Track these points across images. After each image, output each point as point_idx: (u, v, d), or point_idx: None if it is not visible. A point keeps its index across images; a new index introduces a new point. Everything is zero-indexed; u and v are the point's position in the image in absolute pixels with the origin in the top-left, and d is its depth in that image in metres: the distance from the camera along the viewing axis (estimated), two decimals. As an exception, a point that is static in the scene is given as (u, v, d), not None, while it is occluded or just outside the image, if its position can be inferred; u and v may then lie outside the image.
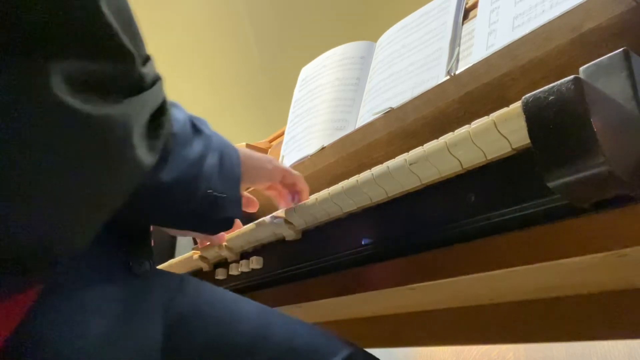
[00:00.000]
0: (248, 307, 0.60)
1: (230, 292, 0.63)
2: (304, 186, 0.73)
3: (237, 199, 0.60)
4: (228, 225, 0.62)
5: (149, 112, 0.41)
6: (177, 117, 0.52)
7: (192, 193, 0.53)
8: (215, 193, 0.56)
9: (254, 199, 0.75)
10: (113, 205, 0.41)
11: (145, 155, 0.40)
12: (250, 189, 0.80)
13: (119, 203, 0.41)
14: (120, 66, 0.37)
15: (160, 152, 0.44)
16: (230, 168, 0.59)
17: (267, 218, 0.73)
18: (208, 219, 0.58)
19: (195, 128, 0.55)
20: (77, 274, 0.48)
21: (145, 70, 0.40)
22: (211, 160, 0.55)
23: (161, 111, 0.43)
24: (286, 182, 0.72)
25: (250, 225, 0.76)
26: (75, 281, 0.47)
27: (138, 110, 0.39)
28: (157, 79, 0.42)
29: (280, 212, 0.72)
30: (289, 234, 0.71)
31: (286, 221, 0.70)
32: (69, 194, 0.36)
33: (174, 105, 0.53)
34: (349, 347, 0.59)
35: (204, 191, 0.54)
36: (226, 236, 0.80)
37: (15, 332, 0.42)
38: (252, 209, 0.75)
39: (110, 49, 0.35)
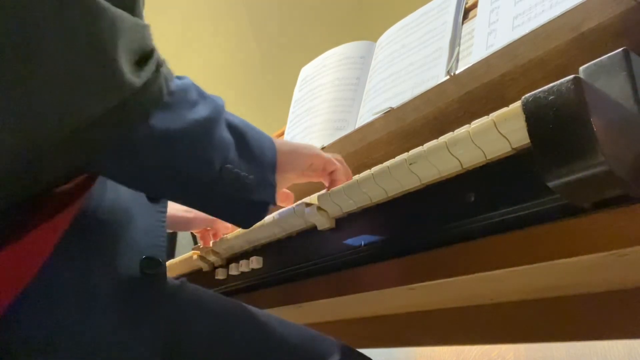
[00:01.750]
0: (245, 311, 0.60)
1: (226, 298, 0.63)
2: (344, 174, 0.68)
3: (269, 184, 0.57)
4: (259, 213, 0.57)
5: (135, 43, 0.43)
6: (180, 81, 0.51)
7: (207, 159, 0.51)
8: (236, 170, 0.53)
9: (290, 192, 0.71)
10: (85, 114, 0.41)
11: (127, 72, 0.42)
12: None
13: (89, 113, 0.41)
14: None
15: (147, 86, 0.44)
16: (259, 149, 0.57)
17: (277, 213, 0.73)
18: (236, 201, 0.54)
19: (203, 94, 0.53)
20: (81, 263, 0.48)
21: (141, 3, 0.44)
22: (224, 133, 0.53)
23: (149, 54, 0.45)
24: (328, 170, 0.68)
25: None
26: (78, 270, 0.47)
27: (125, 23, 0.42)
28: (142, 18, 0.45)
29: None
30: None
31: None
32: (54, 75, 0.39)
33: (181, 76, 0.52)
34: (341, 348, 0.59)
35: (221, 164, 0.52)
36: (226, 236, 0.80)
37: (7, 312, 0.42)
38: (286, 204, 0.71)
39: None
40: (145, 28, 0.45)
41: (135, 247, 0.52)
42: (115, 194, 0.54)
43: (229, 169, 0.52)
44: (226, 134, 0.53)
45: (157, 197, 0.54)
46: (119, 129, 0.44)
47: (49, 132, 0.40)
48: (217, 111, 0.52)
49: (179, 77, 0.51)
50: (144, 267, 0.52)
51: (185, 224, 0.85)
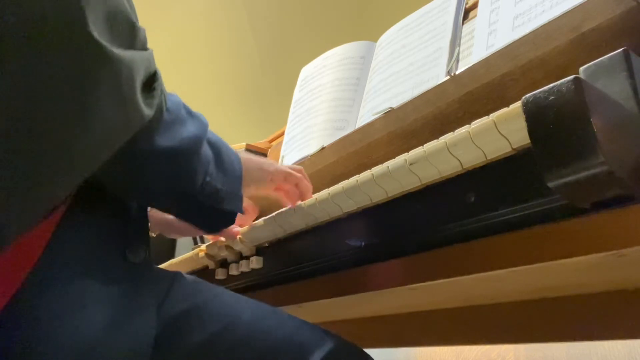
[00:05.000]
0: (240, 302, 0.60)
1: (222, 288, 0.63)
2: (305, 186, 0.73)
3: (238, 195, 0.62)
4: (229, 221, 0.63)
5: (145, 73, 0.46)
6: (171, 98, 0.54)
7: (192, 173, 0.55)
8: (213, 183, 0.57)
9: (254, 205, 0.77)
10: (112, 146, 0.44)
11: (143, 105, 0.45)
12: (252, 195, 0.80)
13: (116, 145, 0.44)
14: (129, 20, 0.44)
15: (155, 111, 0.47)
16: (230, 164, 0.61)
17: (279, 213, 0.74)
18: (209, 212, 0.59)
19: (190, 113, 0.57)
20: (73, 258, 0.48)
21: (141, 30, 0.46)
22: (207, 149, 0.57)
23: (154, 77, 0.48)
24: (289, 183, 0.73)
25: (260, 221, 0.76)
26: (70, 266, 0.48)
27: (138, 62, 0.44)
28: (148, 47, 0.47)
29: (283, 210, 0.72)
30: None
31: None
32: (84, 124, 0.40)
33: (170, 93, 0.55)
34: (334, 339, 0.60)
35: (203, 177, 0.56)
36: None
37: (4, 312, 0.43)
38: (251, 217, 0.77)
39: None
40: (150, 55, 0.48)
41: (120, 238, 0.54)
42: (97, 192, 0.55)
43: (208, 181, 0.57)
44: (208, 150, 0.58)
45: (145, 205, 0.58)
46: (128, 147, 0.46)
47: (84, 171, 0.43)
48: (204, 129, 0.57)
49: (169, 94, 0.54)
50: (128, 257, 0.53)
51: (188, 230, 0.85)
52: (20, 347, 0.43)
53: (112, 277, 0.50)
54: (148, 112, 0.46)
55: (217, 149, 0.59)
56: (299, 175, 0.74)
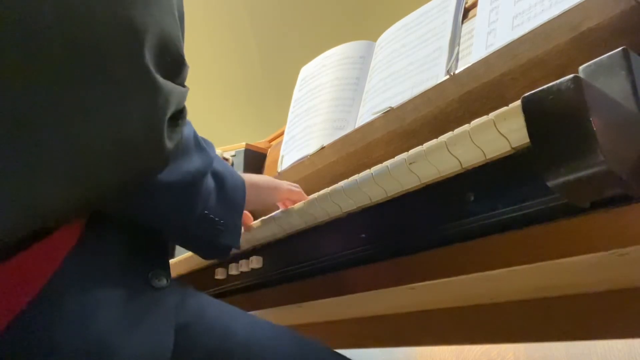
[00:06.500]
0: (239, 318, 0.60)
1: (225, 304, 0.62)
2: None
3: (236, 228, 0.62)
4: (224, 254, 0.63)
5: (175, 108, 0.45)
6: (184, 129, 0.53)
7: (189, 207, 0.54)
8: (211, 216, 0.57)
9: (250, 216, 0.78)
10: (121, 171, 0.43)
11: (166, 138, 0.44)
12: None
13: (127, 172, 0.44)
14: (180, 55, 0.44)
15: (174, 146, 0.46)
16: (233, 196, 0.61)
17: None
18: (204, 243, 0.59)
19: (199, 145, 0.56)
20: (94, 275, 0.48)
21: (187, 67, 0.46)
22: (210, 182, 0.57)
23: (181, 114, 0.47)
24: (293, 199, 0.76)
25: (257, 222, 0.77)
26: (91, 281, 0.47)
27: (174, 96, 0.44)
28: (185, 85, 0.47)
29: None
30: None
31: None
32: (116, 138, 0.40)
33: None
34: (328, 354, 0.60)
35: (200, 211, 0.56)
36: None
37: (18, 318, 0.43)
38: (245, 228, 0.77)
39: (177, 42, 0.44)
40: (186, 92, 0.47)
41: (143, 259, 0.53)
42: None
43: (206, 214, 0.56)
44: (210, 182, 0.57)
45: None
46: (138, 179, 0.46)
47: (86, 188, 0.42)
48: (208, 163, 0.56)
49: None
50: (152, 281, 0.52)
51: None
52: (29, 356, 0.43)
53: (133, 296, 0.50)
54: (169, 145, 0.45)
55: (221, 180, 0.59)
56: (298, 190, 0.76)
